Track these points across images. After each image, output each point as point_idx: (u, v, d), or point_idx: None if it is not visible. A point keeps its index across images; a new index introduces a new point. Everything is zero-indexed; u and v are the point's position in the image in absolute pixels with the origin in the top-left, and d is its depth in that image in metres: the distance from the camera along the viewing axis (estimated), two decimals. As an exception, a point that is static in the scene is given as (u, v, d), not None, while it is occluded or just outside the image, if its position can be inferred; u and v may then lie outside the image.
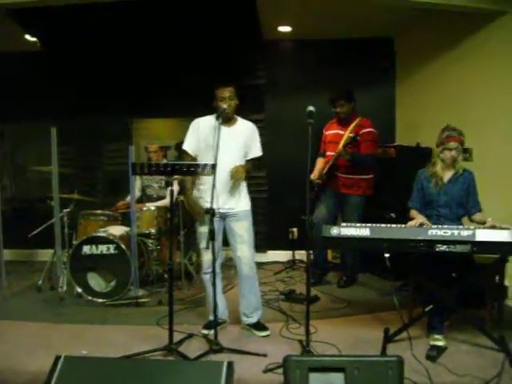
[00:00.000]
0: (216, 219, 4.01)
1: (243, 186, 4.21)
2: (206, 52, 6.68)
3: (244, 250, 4.15)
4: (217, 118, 3.89)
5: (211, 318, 4.16)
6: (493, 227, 3.50)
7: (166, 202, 5.73)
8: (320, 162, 5.68)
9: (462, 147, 4.04)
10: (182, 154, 4.32)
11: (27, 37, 6.56)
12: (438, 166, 4.08)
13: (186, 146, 4.24)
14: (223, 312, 4.33)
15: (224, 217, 4.15)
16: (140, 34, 6.35)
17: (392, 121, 6.98)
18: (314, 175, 5.53)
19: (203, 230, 4.08)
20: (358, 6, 5.27)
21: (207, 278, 4.12)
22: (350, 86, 5.76)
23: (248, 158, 4.24)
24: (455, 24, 5.44)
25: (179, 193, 5.60)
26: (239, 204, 4.15)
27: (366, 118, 5.53)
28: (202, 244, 4.04)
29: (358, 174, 5.42)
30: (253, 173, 4.43)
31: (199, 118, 4.23)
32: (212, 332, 3.88)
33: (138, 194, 6.05)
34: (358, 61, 6.75)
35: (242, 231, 4.14)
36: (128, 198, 5.85)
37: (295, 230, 6.83)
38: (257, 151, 4.27)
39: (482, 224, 3.75)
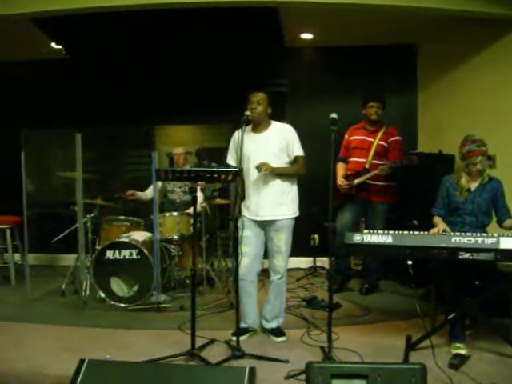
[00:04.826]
0: (254, 226, 4.08)
1: (288, 193, 4.17)
2: (228, 60, 6.74)
3: (279, 259, 4.17)
4: (241, 126, 3.89)
5: (243, 324, 4.21)
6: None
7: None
8: (341, 168, 5.65)
9: (486, 155, 3.99)
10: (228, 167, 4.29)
11: (53, 45, 6.67)
12: (463, 179, 4.01)
13: (229, 160, 4.28)
14: (254, 321, 4.32)
15: (264, 224, 4.15)
16: (164, 42, 6.43)
17: (414, 128, 6.94)
18: (341, 181, 5.49)
19: (244, 234, 4.07)
20: (381, 14, 5.25)
21: (242, 285, 4.11)
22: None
23: (291, 161, 4.19)
24: (477, 32, 5.41)
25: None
26: (280, 212, 4.11)
27: (393, 126, 5.55)
28: (243, 248, 4.01)
29: (386, 181, 5.41)
30: (301, 174, 4.28)
31: (236, 131, 4.21)
32: (242, 338, 3.95)
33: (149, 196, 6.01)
34: (381, 68, 6.74)
35: (281, 242, 4.14)
36: (139, 193, 5.95)
37: (316, 236, 6.82)
38: (295, 151, 4.17)
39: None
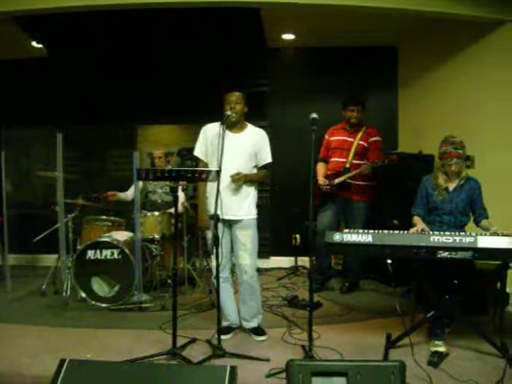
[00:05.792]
0: (221, 225, 4.04)
1: (251, 195, 4.20)
2: (210, 60, 6.74)
3: (246, 258, 4.16)
4: (221, 124, 3.89)
5: (225, 322, 4.25)
6: (495, 234, 3.52)
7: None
8: (321, 168, 5.70)
9: (463, 158, 4.04)
10: (195, 160, 4.36)
11: (34, 43, 6.62)
12: (440, 178, 4.09)
13: (197, 153, 4.27)
14: (235, 317, 4.34)
15: (230, 223, 4.16)
16: (146, 42, 6.42)
17: (395, 128, 7.01)
18: (322, 181, 5.54)
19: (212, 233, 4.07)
20: (362, 15, 5.28)
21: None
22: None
23: (260, 166, 4.23)
24: (456, 33, 5.48)
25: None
26: (245, 212, 4.14)
27: (372, 127, 5.60)
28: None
29: (366, 181, 5.47)
30: (265, 180, 4.40)
31: (208, 124, 4.24)
32: (227, 337, 4.03)
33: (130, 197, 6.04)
34: (362, 69, 6.79)
35: (246, 240, 4.15)
36: (120, 193, 5.99)
37: (298, 236, 6.84)
38: (265, 158, 4.22)
39: (487, 230, 3.77)
